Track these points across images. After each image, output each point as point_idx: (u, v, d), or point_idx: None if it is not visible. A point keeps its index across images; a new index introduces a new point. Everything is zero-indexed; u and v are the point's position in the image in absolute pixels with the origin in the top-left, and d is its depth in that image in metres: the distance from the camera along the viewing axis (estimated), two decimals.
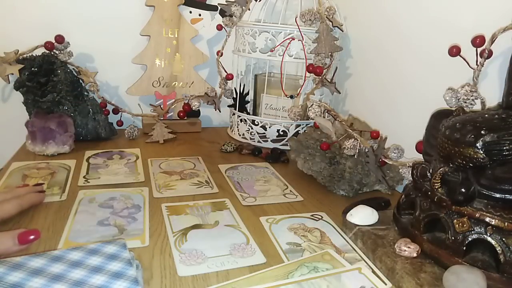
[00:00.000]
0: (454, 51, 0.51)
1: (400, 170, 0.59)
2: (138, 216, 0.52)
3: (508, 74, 0.45)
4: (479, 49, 0.50)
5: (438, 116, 0.49)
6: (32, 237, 0.44)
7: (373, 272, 0.43)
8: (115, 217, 0.51)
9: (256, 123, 0.85)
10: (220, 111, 0.91)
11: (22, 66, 0.75)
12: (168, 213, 0.53)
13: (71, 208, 0.53)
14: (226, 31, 0.86)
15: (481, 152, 0.39)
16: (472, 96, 0.49)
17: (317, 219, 0.55)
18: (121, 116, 0.88)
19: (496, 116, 0.41)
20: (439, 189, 0.43)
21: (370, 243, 0.47)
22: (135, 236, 0.47)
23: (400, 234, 0.48)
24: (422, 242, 0.44)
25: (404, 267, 0.42)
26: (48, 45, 0.78)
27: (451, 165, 0.42)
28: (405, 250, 0.44)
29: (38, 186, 0.57)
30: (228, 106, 0.93)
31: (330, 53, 0.75)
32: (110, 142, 0.81)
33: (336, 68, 0.81)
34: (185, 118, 0.89)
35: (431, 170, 0.45)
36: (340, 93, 0.82)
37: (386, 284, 0.41)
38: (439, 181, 0.43)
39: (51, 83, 0.76)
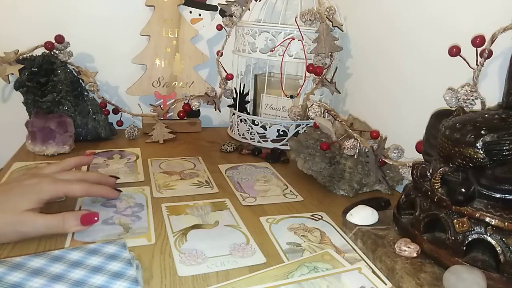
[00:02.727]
0: (454, 51, 0.51)
1: (400, 170, 0.59)
2: (142, 215, 0.52)
3: (508, 74, 0.45)
4: (479, 49, 0.50)
5: (438, 116, 0.48)
6: (95, 218, 0.46)
7: (373, 272, 0.43)
8: (119, 216, 0.51)
9: (256, 123, 0.85)
10: (220, 111, 0.91)
11: (22, 66, 0.75)
12: (168, 213, 0.53)
13: (73, 208, 0.52)
14: (226, 31, 0.86)
15: (481, 152, 0.39)
16: (472, 96, 0.49)
17: (317, 219, 0.55)
18: (121, 116, 0.88)
19: (496, 116, 0.41)
20: (439, 189, 0.43)
21: (370, 243, 0.47)
22: (141, 234, 0.48)
23: (400, 234, 0.48)
24: (422, 242, 0.44)
25: (404, 267, 0.42)
26: (48, 45, 0.78)
27: (451, 165, 0.42)
28: (405, 250, 0.44)
29: (113, 179, 0.56)
30: (228, 106, 0.93)
31: (330, 53, 0.75)
32: (110, 142, 0.81)
33: (336, 68, 0.81)
34: (185, 118, 0.89)
35: (431, 170, 0.45)
36: (340, 93, 0.82)
37: (386, 284, 0.41)
38: (439, 181, 0.43)
39: (51, 83, 0.76)
